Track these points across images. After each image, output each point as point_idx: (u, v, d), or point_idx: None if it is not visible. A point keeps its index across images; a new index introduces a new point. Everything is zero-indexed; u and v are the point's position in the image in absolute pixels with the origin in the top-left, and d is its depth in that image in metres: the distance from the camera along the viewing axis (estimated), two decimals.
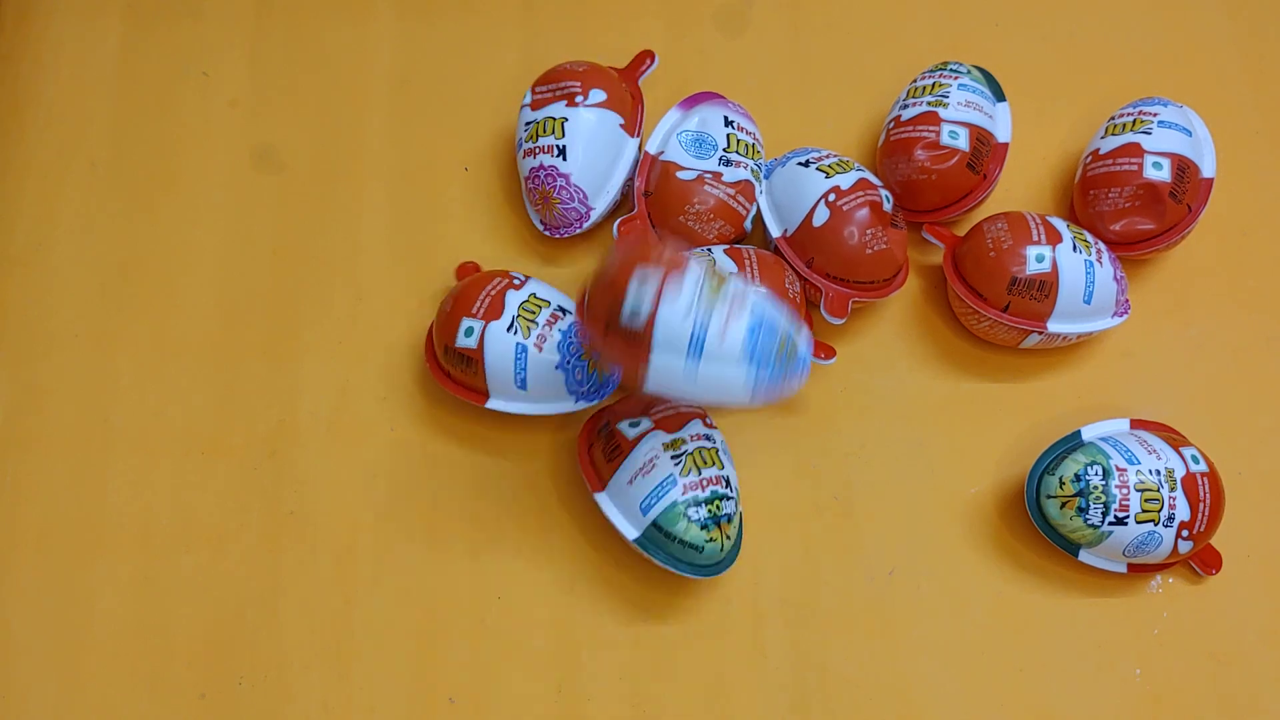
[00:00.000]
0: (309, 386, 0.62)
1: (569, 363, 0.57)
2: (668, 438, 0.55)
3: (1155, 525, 0.55)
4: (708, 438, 0.56)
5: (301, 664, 0.56)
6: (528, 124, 0.63)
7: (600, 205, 0.63)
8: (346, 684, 0.56)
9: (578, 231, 0.64)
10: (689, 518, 0.53)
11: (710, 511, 0.54)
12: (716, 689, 0.56)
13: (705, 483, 0.54)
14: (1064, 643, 0.58)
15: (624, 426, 0.56)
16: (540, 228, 0.64)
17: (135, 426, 0.61)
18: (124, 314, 0.64)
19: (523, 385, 0.57)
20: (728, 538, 0.55)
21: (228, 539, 0.59)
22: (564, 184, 0.62)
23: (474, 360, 0.57)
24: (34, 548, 0.58)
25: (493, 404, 0.58)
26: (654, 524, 0.54)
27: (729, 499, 0.55)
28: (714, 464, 0.55)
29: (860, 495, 0.61)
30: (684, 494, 0.53)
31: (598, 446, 0.57)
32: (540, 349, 0.56)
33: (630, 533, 0.55)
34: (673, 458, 0.54)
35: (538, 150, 0.62)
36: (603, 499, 0.56)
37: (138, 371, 0.62)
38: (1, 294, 0.64)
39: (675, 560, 0.55)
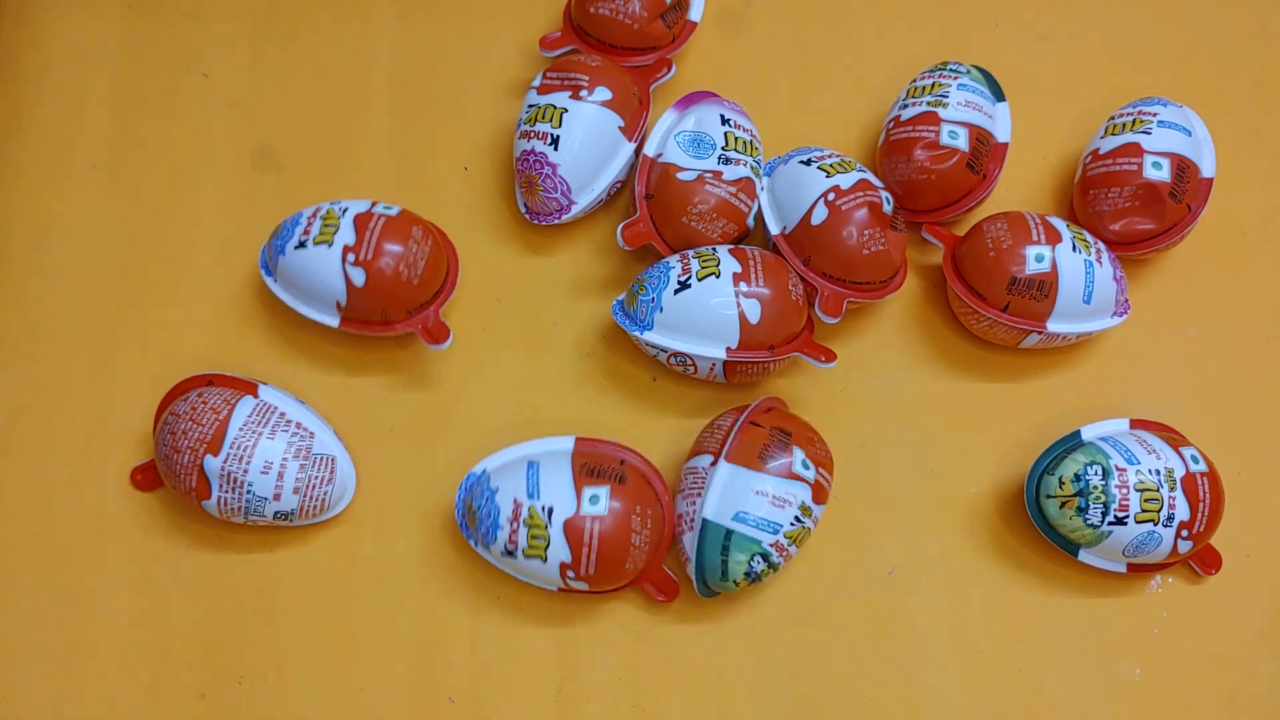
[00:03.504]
0: (309, 386, 0.62)
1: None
2: (809, 502, 0.55)
3: (1155, 525, 0.55)
4: (815, 522, 0.56)
5: (301, 664, 0.57)
6: (530, 106, 0.64)
7: (582, 202, 0.63)
8: (346, 684, 0.56)
9: (555, 222, 0.64)
10: (750, 563, 0.54)
11: (762, 573, 0.54)
12: (716, 689, 0.56)
13: (787, 553, 0.55)
14: (1064, 643, 0.58)
15: (799, 456, 0.55)
16: (523, 210, 0.65)
17: (135, 426, 0.61)
18: (124, 314, 0.64)
19: None
20: (745, 590, 0.56)
21: (227, 539, 0.59)
22: (550, 173, 0.62)
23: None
24: (34, 548, 0.59)
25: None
26: (727, 534, 0.54)
27: (775, 570, 0.55)
28: (799, 544, 0.55)
29: (860, 495, 0.61)
30: (769, 547, 0.54)
31: (762, 434, 0.55)
32: None
33: (710, 513, 0.54)
34: (794, 518, 0.54)
35: (533, 134, 0.62)
36: (724, 470, 0.55)
37: (138, 371, 0.62)
38: (1, 294, 0.64)
39: (701, 569, 0.55)
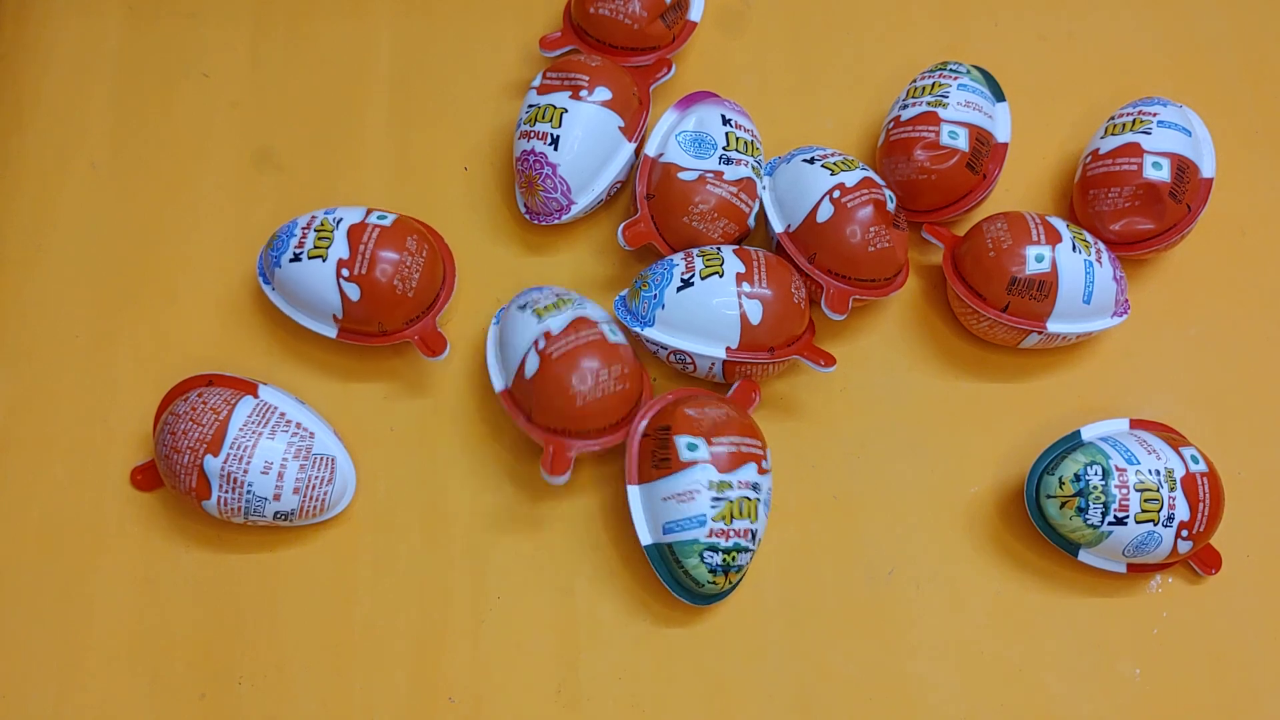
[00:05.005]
0: (309, 386, 0.62)
1: None
2: (717, 477, 0.53)
3: (1155, 525, 0.55)
4: (755, 487, 0.54)
5: (301, 664, 0.56)
6: (530, 106, 0.64)
7: (582, 202, 0.63)
8: (346, 684, 0.56)
9: (555, 222, 0.64)
10: (702, 558, 0.53)
11: (725, 560, 0.54)
12: (716, 689, 0.56)
13: (732, 533, 0.53)
14: (1064, 643, 0.58)
15: (681, 444, 0.54)
16: (523, 210, 0.65)
17: (135, 426, 0.61)
18: (124, 314, 0.64)
19: None
20: (730, 583, 0.55)
21: (228, 539, 0.59)
22: (550, 173, 0.62)
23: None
24: (34, 547, 0.58)
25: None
26: (669, 548, 0.54)
27: (747, 551, 0.54)
28: (748, 516, 0.54)
29: (860, 495, 0.61)
30: (708, 536, 0.53)
31: (650, 442, 0.56)
32: None
33: (645, 538, 0.55)
34: (713, 499, 0.53)
35: (533, 135, 0.62)
36: (634, 493, 0.56)
37: (138, 371, 0.62)
38: (1, 294, 0.64)
39: (673, 581, 0.55)
